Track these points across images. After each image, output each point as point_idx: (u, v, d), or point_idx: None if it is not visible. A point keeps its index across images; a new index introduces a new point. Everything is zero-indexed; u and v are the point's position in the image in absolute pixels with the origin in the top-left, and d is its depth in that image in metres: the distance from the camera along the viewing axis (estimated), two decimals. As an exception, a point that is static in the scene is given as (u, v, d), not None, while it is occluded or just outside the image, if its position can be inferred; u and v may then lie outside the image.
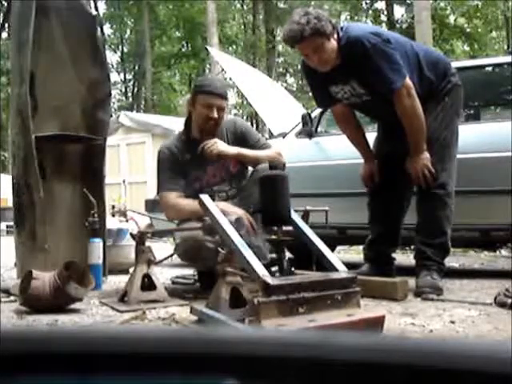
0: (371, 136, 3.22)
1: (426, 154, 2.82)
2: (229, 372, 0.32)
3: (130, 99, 29.42)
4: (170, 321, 2.20)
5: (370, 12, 23.12)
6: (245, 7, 27.12)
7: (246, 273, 1.84)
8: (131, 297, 2.54)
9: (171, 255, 3.40)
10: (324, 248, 1.93)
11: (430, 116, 2.84)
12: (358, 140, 3.17)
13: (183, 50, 28.30)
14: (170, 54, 27.36)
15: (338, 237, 3.81)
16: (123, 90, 30.33)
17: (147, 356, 0.33)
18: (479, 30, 21.93)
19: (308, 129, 3.83)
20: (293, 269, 1.89)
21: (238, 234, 1.89)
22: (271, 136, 4.70)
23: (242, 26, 27.30)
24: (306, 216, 2.43)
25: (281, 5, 23.71)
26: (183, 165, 2.92)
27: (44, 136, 3.27)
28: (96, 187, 3.41)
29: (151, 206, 4.76)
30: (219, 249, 2.23)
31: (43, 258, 3.19)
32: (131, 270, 3.01)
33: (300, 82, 24.86)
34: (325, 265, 1.90)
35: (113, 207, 4.90)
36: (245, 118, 19.58)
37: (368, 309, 2.26)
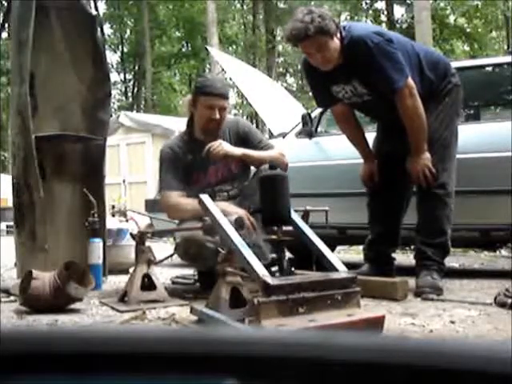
0: (371, 136, 3.22)
1: (427, 154, 2.82)
2: (229, 372, 0.32)
3: (130, 99, 29.41)
4: (169, 321, 2.20)
5: (370, 12, 23.11)
6: (245, 7, 27.11)
7: (246, 273, 1.84)
8: (131, 297, 2.54)
9: (171, 255, 3.40)
10: (324, 248, 1.93)
11: (431, 116, 2.84)
12: (358, 140, 3.17)
13: (183, 50, 28.29)
14: (169, 54, 27.35)
15: (338, 237, 3.81)
16: (123, 89, 30.32)
17: (147, 356, 0.33)
18: (479, 30, 21.92)
19: (308, 129, 3.83)
20: (293, 269, 1.89)
21: (238, 234, 1.89)
22: (271, 136, 4.70)
23: (242, 26, 27.29)
24: (305, 216, 2.43)
25: (281, 5, 23.70)
26: (185, 164, 2.92)
27: (44, 136, 3.27)
28: (96, 187, 3.41)
29: (151, 205, 4.76)
30: (219, 249, 2.23)
31: (43, 257, 3.20)
32: (131, 270, 3.01)
33: (300, 82, 24.86)
34: (325, 265, 1.90)
35: (113, 207, 4.91)
36: (245, 118, 19.58)
37: (368, 309, 2.26)
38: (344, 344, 0.34)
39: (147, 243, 2.76)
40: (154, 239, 5.65)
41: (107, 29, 27.67)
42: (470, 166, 3.17)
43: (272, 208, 1.97)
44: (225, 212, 2.12)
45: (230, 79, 5.59)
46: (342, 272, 1.82)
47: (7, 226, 9.72)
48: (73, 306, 2.46)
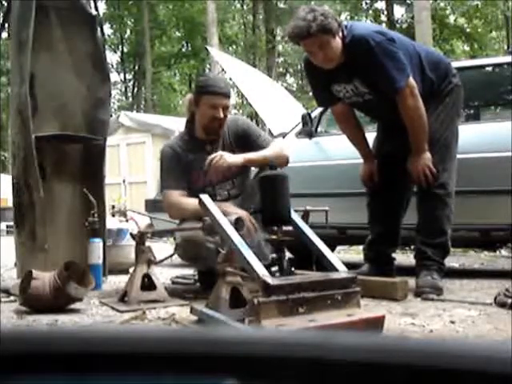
0: (371, 136, 3.22)
1: (428, 154, 2.82)
2: (229, 372, 0.32)
3: (130, 99, 29.41)
4: (169, 321, 2.20)
5: (370, 12, 23.11)
6: (245, 7, 27.10)
7: (246, 273, 1.84)
8: (131, 297, 2.54)
9: (171, 255, 3.40)
10: (324, 248, 1.93)
11: (432, 116, 2.84)
12: (358, 140, 3.17)
13: (183, 50, 28.28)
14: (170, 54, 27.34)
15: (337, 237, 3.81)
16: (123, 89, 30.33)
17: (147, 356, 0.33)
18: (479, 30, 21.91)
19: (308, 129, 3.83)
20: (293, 269, 1.89)
21: (238, 234, 1.89)
22: (271, 136, 4.70)
23: (242, 26, 27.29)
24: (305, 216, 2.43)
25: (281, 5, 23.70)
26: (186, 164, 2.92)
27: (44, 136, 3.27)
28: (96, 187, 3.41)
29: (151, 205, 4.76)
30: (219, 249, 2.23)
31: (43, 257, 3.20)
32: (131, 270, 3.01)
33: (300, 82, 24.87)
34: (325, 265, 1.90)
35: (113, 207, 4.90)
36: (245, 117, 19.53)
37: (368, 309, 2.26)
38: (344, 344, 0.34)
39: (147, 243, 2.76)
40: (154, 239, 5.65)
41: (107, 29, 27.68)
42: (470, 166, 3.17)
43: (272, 208, 1.97)
44: (225, 212, 2.12)
45: (230, 79, 5.58)
46: (342, 272, 1.82)
47: (7, 226, 9.72)
48: (73, 306, 2.46)
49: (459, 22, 21.79)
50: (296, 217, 2.05)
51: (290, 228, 1.98)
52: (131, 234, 3.01)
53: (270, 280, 1.63)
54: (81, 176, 3.46)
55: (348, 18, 22.47)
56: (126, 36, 29.95)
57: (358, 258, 4.10)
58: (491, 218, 3.35)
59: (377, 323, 1.74)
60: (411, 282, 2.77)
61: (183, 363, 0.33)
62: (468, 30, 21.75)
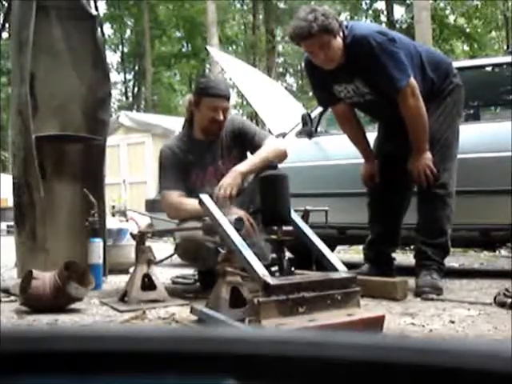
0: (371, 136, 3.22)
1: (429, 154, 2.82)
2: (229, 372, 0.32)
3: (130, 99, 29.42)
4: (170, 320, 2.20)
5: (370, 12, 23.11)
6: (245, 7, 27.11)
7: (246, 273, 1.84)
8: (131, 297, 2.54)
9: (171, 255, 3.40)
10: (324, 248, 1.93)
11: (432, 116, 2.84)
12: (359, 140, 3.16)
13: (183, 50, 28.28)
14: (170, 54, 27.34)
15: (337, 237, 3.81)
16: (123, 90, 30.34)
17: (147, 355, 0.33)
18: (479, 30, 21.92)
19: (308, 129, 3.83)
20: (293, 269, 1.89)
21: (238, 234, 1.89)
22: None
23: (242, 26, 27.30)
24: (305, 216, 2.43)
25: (281, 5, 23.70)
26: (185, 164, 2.92)
27: (44, 136, 3.27)
28: (96, 187, 3.41)
29: (151, 205, 4.76)
30: (219, 249, 2.23)
31: (43, 257, 3.20)
32: (131, 269, 3.01)
33: (300, 82, 24.87)
34: (325, 265, 1.90)
35: (113, 207, 4.91)
36: (245, 118, 19.58)
37: (368, 309, 2.26)
38: (344, 343, 0.34)
39: (147, 243, 2.76)
40: (154, 239, 5.65)
41: (107, 29, 27.70)
42: (470, 165, 3.17)
43: (272, 208, 1.97)
44: (225, 212, 2.12)
45: (230, 79, 5.58)
46: (342, 272, 1.82)
47: (7, 226, 9.72)
48: (73, 306, 2.46)
49: (459, 22, 21.78)
50: (296, 217, 2.05)
51: (290, 228, 1.98)
52: (131, 234, 3.01)
53: (270, 280, 1.63)
54: (81, 176, 3.46)
55: (348, 18, 22.49)
56: (126, 36, 29.97)
57: (358, 258, 4.10)
58: (491, 218, 3.35)
59: (377, 323, 1.74)
60: (411, 281, 2.77)
61: (183, 363, 0.33)
62: (468, 30, 21.75)
